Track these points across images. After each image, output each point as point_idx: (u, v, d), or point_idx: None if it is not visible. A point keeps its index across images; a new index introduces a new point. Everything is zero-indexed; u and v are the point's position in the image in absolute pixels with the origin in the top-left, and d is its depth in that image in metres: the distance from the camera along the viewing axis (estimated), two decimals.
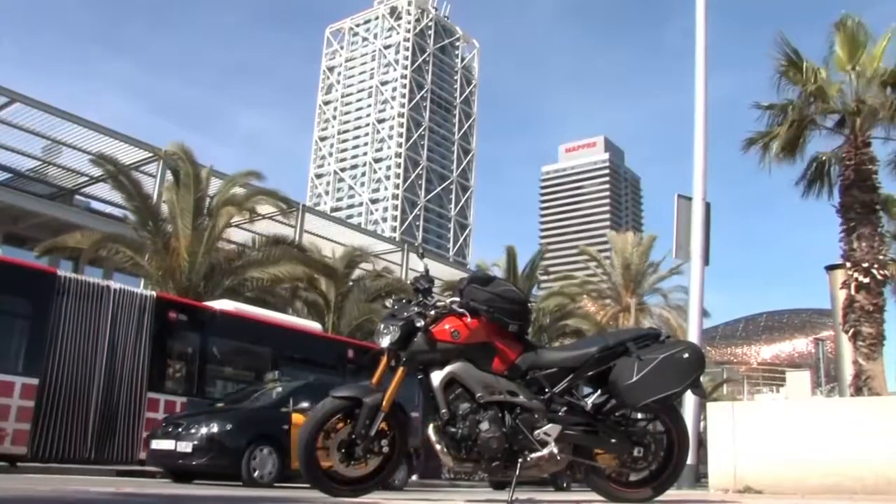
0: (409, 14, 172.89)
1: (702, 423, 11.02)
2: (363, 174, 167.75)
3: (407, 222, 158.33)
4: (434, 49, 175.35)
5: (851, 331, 12.33)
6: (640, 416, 3.98)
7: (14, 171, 22.89)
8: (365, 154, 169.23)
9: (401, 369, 3.84)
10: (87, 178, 23.27)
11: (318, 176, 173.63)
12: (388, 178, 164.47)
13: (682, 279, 30.02)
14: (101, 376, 10.36)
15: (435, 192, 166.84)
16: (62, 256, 16.47)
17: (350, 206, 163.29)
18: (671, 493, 4.33)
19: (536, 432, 3.74)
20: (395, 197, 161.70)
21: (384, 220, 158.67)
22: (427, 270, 4.17)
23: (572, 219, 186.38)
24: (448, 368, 3.78)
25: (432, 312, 3.84)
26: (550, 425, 3.71)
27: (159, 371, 11.47)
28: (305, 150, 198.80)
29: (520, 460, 3.72)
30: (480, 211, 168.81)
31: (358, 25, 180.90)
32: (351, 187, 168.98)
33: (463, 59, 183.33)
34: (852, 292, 12.33)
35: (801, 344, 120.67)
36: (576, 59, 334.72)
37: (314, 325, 15.67)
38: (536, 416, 3.76)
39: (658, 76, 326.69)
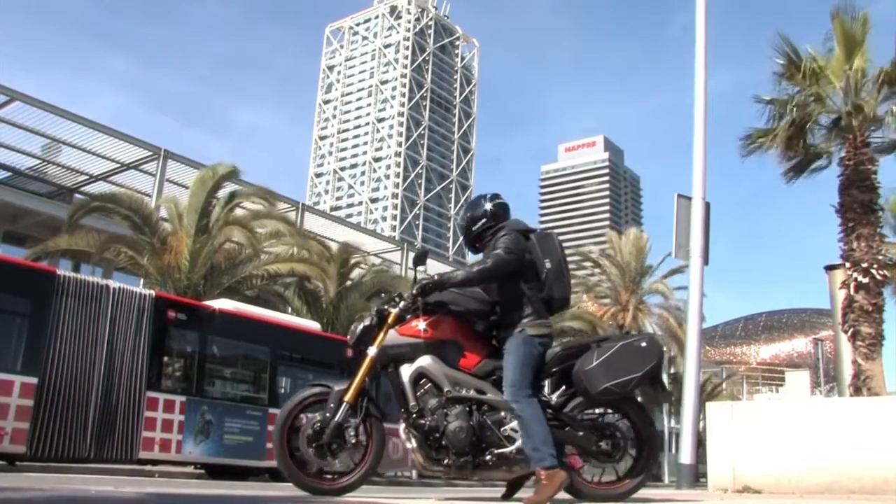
0: (409, 13, 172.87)
1: (701, 423, 11.03)
2: (363, 173, 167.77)
3: (406, 221, 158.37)
4: (434, 48, 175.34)
5: (851, 331, 12.32)
6: (607, 413, 4.03)
7: (13, 170, 22.87)
8: (364, 153, 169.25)
9: (367, 361, 3.88)
10: (86, 177, 23.28)
11: (318, 175, 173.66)
12: (387, 177, 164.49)
13: (682, 279, 30.09)
14: (100, 375, 10.34)
15: (434, 191, 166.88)
16: (56, 258, 16.46)
17: (350, 206, 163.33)
18: (670, 493, 4.33)
19: (503, 429, 3.78)
20: (394, 196, 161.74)
21: (384, 219, 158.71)
22: (415, 280, 4.15)
23: (572, 218, 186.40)
24: (417, 363, 3.84)
25: (398, 308, 3.91)
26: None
27: (158, 370, 11.46)
28: (305, 147, 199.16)
29: (488, 457, 3.75)
30: None
31: (358, 24, 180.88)
32: (350, 186, 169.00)
33: (463, 59, 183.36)
34: (851, 292, 12.32)
35: (801, 344, 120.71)
36: (575, 56, 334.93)
37: (313, 325, 15.66)
38: (503, 413, 3.81)
39: (659, 72, 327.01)
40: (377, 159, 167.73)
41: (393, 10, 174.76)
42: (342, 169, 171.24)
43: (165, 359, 11.89)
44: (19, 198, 21.29)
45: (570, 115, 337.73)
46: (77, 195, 23.29)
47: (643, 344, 3.88)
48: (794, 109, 12.63)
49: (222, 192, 18.27)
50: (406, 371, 3.84)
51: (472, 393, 3.82)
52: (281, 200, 22.91)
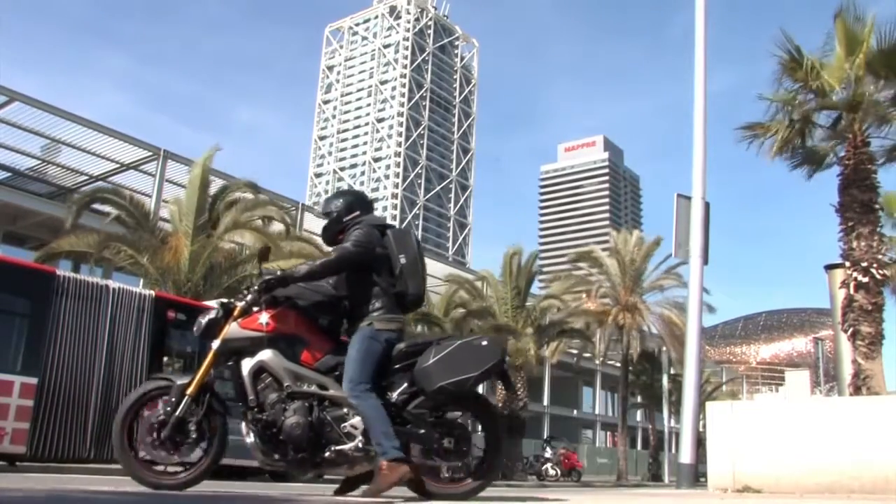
0: (409, 13, 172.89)
1: (700, 423, 11.04)
2: (362, 173, 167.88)
3: (406, 221, 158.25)
4: (433, 48, 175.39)
5: (850, 330, 12.32)
6: (452, 411, 3.99)
7: (13, 170, 22.88)
8: (364, 153, 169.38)
9: (210, 354, 3.86)
10: (86, 177, 23.28)
11: (318, 175, 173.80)
12: (387, 177, 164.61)
13: (681, 278, 30.03)
14: (100, 375, 10.32)
15: (434, 191, 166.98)
16: (61, 259, 16.48)
17: None
18: (670, 493, 4.33)
19: (343, 425, 3.74)
20: (394, 196, 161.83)
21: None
22: (259, 274, 4.06)
23: (572, 218, 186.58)
24: (258, 357, 3.80)
25: (244, 302, 3.87)
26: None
27: (158, 370, 11.43)
28: (304, 147, 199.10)
29: (326, 454, 3.72)
30: (480, 210, 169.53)
31: (357, 24, 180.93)
32: (350, 186, 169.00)
33: (462, 59, 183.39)
34: (851, 291, 12.32)
35: (801, 343, 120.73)
36: (575, 56, 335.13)
37: None
38: (345, 409, 3.77)
39: (659, 72, 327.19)
40: (377, 159, 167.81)
41: (392, 10, 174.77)
42: (342, 169, 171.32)
43: (165, 359, 11.87)
44: (19, 198, 21.29)
45: (570, 115, 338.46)
46: (77, 195, 23.31)
47: (483, 343, 3.84)
48: (795, 108, 12.63)
49: (212, 190, 18.26)
50: (246, 365, 3.80)
51: (313, 388, 3.77)
52: (280, 200, 22.87)
